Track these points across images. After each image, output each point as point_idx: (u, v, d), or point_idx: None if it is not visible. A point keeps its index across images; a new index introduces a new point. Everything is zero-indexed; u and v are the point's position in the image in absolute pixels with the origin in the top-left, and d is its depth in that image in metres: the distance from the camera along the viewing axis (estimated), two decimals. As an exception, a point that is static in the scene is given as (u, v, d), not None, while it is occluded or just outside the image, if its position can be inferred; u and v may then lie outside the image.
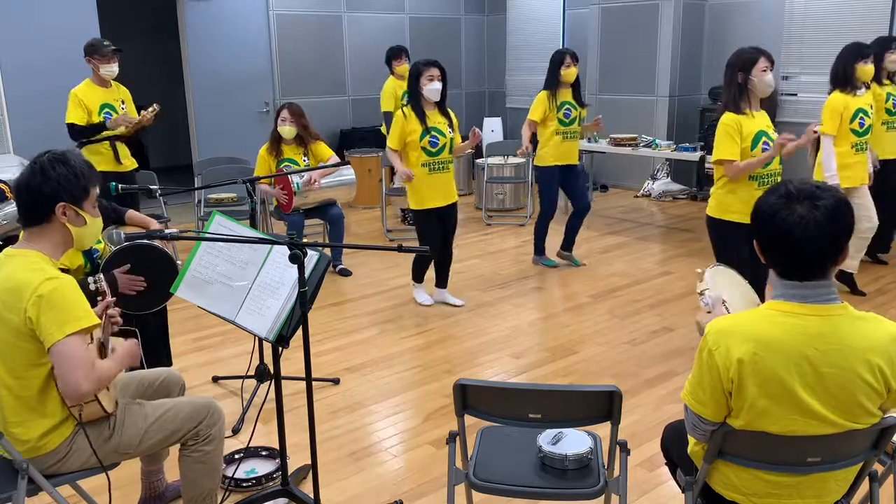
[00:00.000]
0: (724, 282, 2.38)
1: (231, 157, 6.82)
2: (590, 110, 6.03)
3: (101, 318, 2.27)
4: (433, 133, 4.64)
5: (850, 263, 5.08)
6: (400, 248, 2.40)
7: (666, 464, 2.33)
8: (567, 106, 5.59)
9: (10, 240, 2.31)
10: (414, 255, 5.08)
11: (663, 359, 4.18)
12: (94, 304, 2.26)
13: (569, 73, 5.54)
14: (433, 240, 4.81)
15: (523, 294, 5.33)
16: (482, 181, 7.92)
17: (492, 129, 9.91)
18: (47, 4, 6.75)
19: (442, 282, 5.12)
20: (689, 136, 8.13)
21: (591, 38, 8.94)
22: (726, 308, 2.20)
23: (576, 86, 5.64)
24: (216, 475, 2.50)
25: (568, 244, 5.96)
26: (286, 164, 5.33)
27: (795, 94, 7.87)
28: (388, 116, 6.63)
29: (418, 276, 5.14)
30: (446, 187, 4.79)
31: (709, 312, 2.16)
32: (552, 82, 5.57)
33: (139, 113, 5.41)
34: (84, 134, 5.10)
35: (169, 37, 8.68)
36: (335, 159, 5.31)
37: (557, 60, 5.55)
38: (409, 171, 4.66)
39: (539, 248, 5.99)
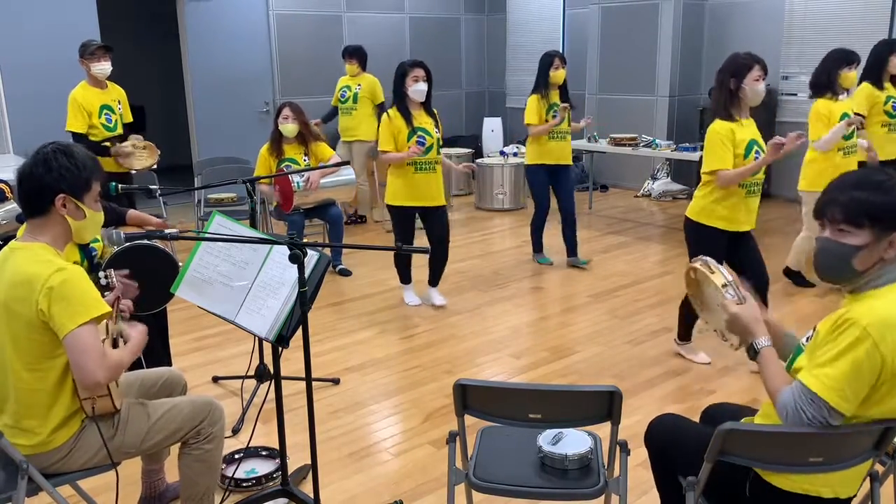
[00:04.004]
0: None
1: (231, 157, 6.82)
2: (588, 110, 6.03)
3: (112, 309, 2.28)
4: (420, 133, 4.64)
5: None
6: (400, 248, 2.40)
7: (652, 460, 2.28)
8: (555, 108, 5.63)
9: (10, 240, 2.30)
10: (394, 259, 5.09)
11: (663, 359, 4.18)
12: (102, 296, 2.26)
13: (558, 74, 5.57)
14: (408, 239, 4.82)
15: (523, 294, 5.33)
16: (482, 181, 7.93)
17: (492, 128, 9.91)
18: (47, 4, 6.75)
19: (434, 279, 5.10)
20: (689, 136, 8.13)
21: (591, 38, 8.94)
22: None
23: (563, 87, 5.69)
24: (215, 473, 2.50)
25: (571, 250, 5.97)
26: (287, 163, 5.33)
27: (795, 94, 7.87)
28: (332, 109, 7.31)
29: (404, 277, 5.12)
30: (431, 188, 4.76)
31: (739, 304, 2.07)
32: (542, 84, 5.60)
33: (133, 114, 5.56)
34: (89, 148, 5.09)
35: (169, 37, 8.67)
36: (336, 159, 5.31)
37: (546, 63, 5.59)
38: (414, 148, 4.59)
39: (535, 246, 6.05)
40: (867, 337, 1.74)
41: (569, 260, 5.98)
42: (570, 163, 5.83)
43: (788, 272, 5.35)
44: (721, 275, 2.17)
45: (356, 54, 7.05)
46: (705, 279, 2.20)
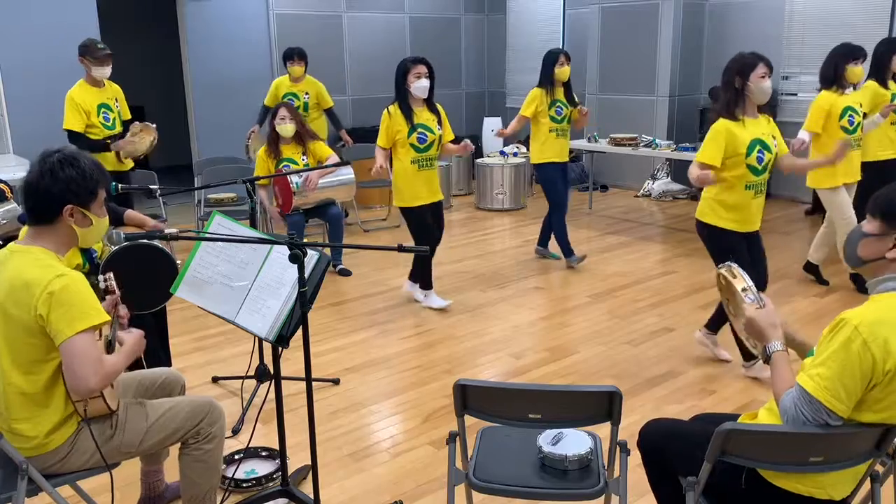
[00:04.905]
0: None
1: (231, 157, 6.83)
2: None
3: (109, 314, 2.27)
4: (420, 130, 4.65)
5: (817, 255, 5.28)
6: (400, 248, 2.40)
7: (647, 464, 2.29)
8: (559, 104, 5.63)
9: (10, 240, 2.30)
10: (413, 263, 5.06)
11: (663, 359, 4.18)
12: (100, 300, 2.26)
13: (563, 71, 5.58)
14: (430, 237, 4.80)
15: (523, 294, 5.33)
16: (482, 181, 7.92)
17: (492, 129, 9.90)
18: (47, 4, 6.75)
19: (416, 276, 5.12)
20: (689, 136, 8.13)
21: (591, 38, 8.94)
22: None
23: (567, 85, 5.69)
24: (216, 474, 2.50)
25: (544, 240, 6.03)
26: (285, 164, 5.33)
27: (795, 94, 7.88)
28: (265, 110, 6.82)
29: (427, 283, 5.01)
30: (433, 184, 4.80)
31: (759, 308, 2.09)
32: (547, 80, 5.61)
33: (132, 114, 5.53)
34: (87, 146, 5.05)
35: (169, 36, 8.67)
36: (334, 158, 5.31)
37: (552, 59, 5.59)
38: (379, 166, 4.63)
39: (565, 249, 5.86)
40: (858, 336, 1.76)
41: (540, 249, 6.04)
42: (568, 160, 5.88)
43: (809, 267, 5.34)
44: (742, 279, 2.20)
45: (304, 56, 6.77)
46: (731, 285, 2.23)
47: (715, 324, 4.09)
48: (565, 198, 5.81)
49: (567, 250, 5.87)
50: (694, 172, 3.65)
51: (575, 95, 5.76)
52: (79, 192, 2.16)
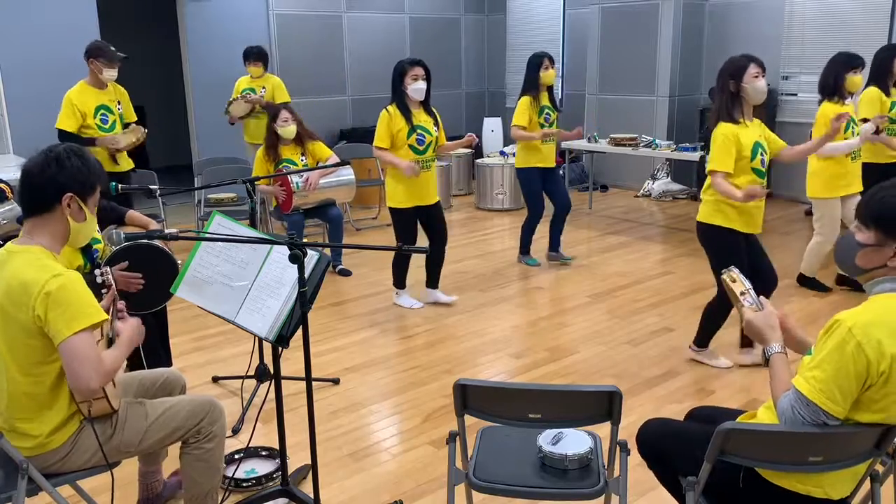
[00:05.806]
0: None
1: (231, 157, 6.82)
2: (588, 110, 6.04)
3: (107, 311, 2.27)
4: (419, 131, 4.64)
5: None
6: (400, 248, 2.40)
7: (649, 463, 2.29)
8: (546, 109, 5.63)
9: (10, 240, 2.30)
10: (392, 261, 5.05)
11: (663, 359, 4.18)
12: (98, 296, 2.26)
13: (548, 75, 5.57)
14: (413, 240, 4.80)
15: (523, 294, 5.33)
16: (482, 181, 7.92)
17: (492, 129, 9.91)
18: (47, 4, 6.75)
19: (433, 282, 5.09)
20: (689, 136, 8.14)
21: (591, 38, 8.94)
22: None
23: (550, 89, 5.69)
24: (217, 473, 2.50)
25: (555, 245, 5.98)
26: (284, 164, 5.33)
27: (795, 94, 7.88)
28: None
29: (400, 282, 5.05)
30: (429, 186, 4.78)
31: (757, 311, 2.11)
32: (532, 86, 5.58)
33: (134, 112, 5.51)
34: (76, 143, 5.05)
35: (169, 37, 8.68)
36: (335, 159, 5.31)
37: (536, 64, 5.55)
38: (413, 164, 4.59)
39: (524, 248, 6.02)
40: (852, 338, 1.77)
41: (551, 254, 5.98)
42: (555, 164, 5.85)
43: (803, 279, 5.29)
44: (741, 283, 2.22)
45: (262, 57, 6.75)
46: (732, 289, 2.25)
47: (705, 339, 4.08)
48: (542, 206, 5.78)
49: (524, 249, 6.00)
50: (723, 187, 3.60)
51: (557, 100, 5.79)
52: (83, 183, 2.19)
